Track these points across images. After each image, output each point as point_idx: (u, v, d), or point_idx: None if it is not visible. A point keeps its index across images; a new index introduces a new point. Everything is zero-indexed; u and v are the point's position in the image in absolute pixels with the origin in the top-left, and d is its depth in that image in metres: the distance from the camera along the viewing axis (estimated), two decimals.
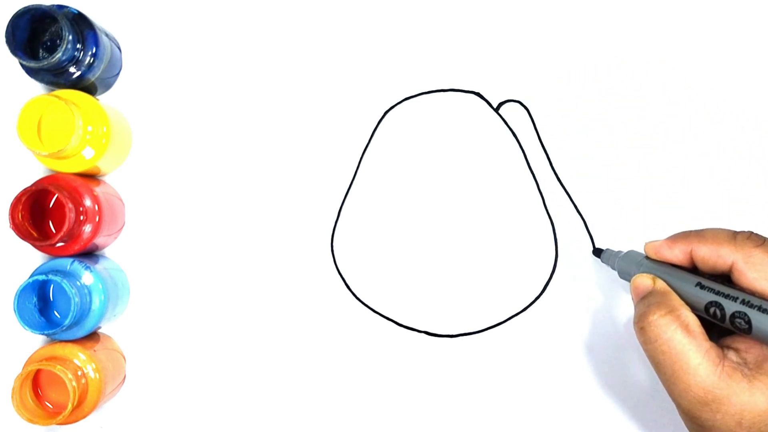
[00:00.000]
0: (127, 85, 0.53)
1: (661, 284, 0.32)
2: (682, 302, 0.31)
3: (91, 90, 0.50)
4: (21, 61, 0.44)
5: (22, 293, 0.45)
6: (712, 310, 0.30)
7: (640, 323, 0.31)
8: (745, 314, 0.29)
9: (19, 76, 0.47)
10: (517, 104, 0.53)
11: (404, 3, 0.53)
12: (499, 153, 0.53)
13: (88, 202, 0.47)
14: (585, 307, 0.52)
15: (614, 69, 0.53)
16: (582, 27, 0.53)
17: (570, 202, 0.53)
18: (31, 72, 0.47)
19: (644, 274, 0.33)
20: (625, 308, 0.53)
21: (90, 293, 0.47)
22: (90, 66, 0.47)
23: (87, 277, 0.47)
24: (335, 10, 0.53)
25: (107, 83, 0.52)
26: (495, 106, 0.53)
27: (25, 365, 0.47)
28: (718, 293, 0.30)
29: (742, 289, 0.29)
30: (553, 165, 0.53)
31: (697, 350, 0.29)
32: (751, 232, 0.30)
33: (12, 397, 0.45)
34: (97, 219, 0.47)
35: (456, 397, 0.52)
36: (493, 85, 0.53)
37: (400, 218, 0.53)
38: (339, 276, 0.53)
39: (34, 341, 0.50)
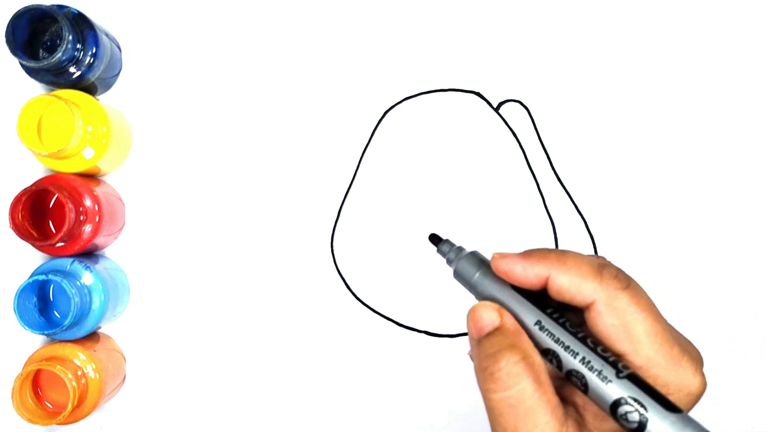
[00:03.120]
0: (127, 85, 0.53)
1: (510, 321, 0.27)
2: (532, 345, 0.26)
3: (91, 90, 0.50)
4: (21, 61, 0.44)
5: (22, 293, 0.45)
6: (549, 357, 0.26)
7: (490, 368, 0.25)
8: (583, 377, 0.25)
9: (19, 76, 0.47)
10: (517, 104, 0.53)
11: (404, 3, 0.53)
12: (499, 153, 0.53)
13: (88, 202, 0.47)
14: None
15: (614, 69, 0.53)
16: (582, 27, 0.53)
17: (570, 202, 0.53)
18: (31, 72, 0.47)
19: (489, 306, 0.27)
20: None
21: (90, 293, 0.47)
22: (90, 66, 0.47)
23: (87, 277, 0.47)
24: (335, 10, 0.53)
25: (107, 83, 0.52)
26: (495, 106, 0.53)
27: (25, 365, 0.47)
28: (558, 341, 0.26)
29: (586, 339, 0.26)
30: (553, 165, 0.53)
31: (545, 407, 0.25)
32: (619, 270, 0.27)
33: (12, 397, 0.45)
34: (97, 219, 0.47)
35: (456, 397, 0.52)
36: (493, 85, 0.53)
37: (400, 218, 0.53)
38: (339, 276, 0.53)
39: (34, 341, 0.50)
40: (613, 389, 0.24)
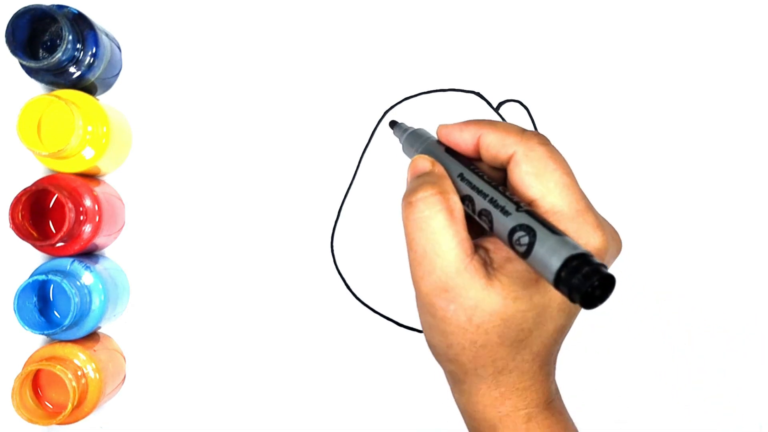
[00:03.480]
0: (127, 85, 0.53)
1: (439, 169, 0.31)
2: (454, 189, 0.30)
3: (91, 90, 0.50)
4: (21, 61, 0.44)
5: (22, 293, 0.45)
6: (466, 203, 0.30)
7: (409, 198, 0.30)
8: (489, 212, 0.28)
9: (19, 76, 0.47)
10: (517, 104, 0.53)
11: (404, 3, 0.53)
12: None
13: (88, 202, 0.47)
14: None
15: (614, 69, 0.53)
16: (582, 27, 0.53)
17: None
18: (31, 72, 0.47)
19: (425, 157, 0.32)
20: (625, 310, 0.53)
21: (90, 293, 0.47)
22: (90, 66, 0.47)
23: (87, 277, 0.47)
24: (335, 10, 0.53)
25: (107, 83, 0.52)
26: (495, 106, 0.53)
27: (25, 365, 0.47)
28: (473, 187, 0.29)
29: (497, 186, 0.29)
30: None
31: (453, 236, 0.28)
32: (541, 134, 0.30)
33: (12, 397, 0.45)
34: (97, 219, 0.47)
35: None
36: (493, 85, 0.53)
37: (400, 218, 0.53)
38: (339, 276, 0.53)
39: (34, 341, 0.50)
40: (511, 220, 0.27)
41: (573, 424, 0.32)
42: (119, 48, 0.52)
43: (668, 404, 0.52)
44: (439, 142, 0.33)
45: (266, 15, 0.53)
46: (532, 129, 0.29)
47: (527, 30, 0.53)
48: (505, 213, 0.27)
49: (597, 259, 0.24)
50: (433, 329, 0.30)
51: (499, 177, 0.30)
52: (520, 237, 0.26)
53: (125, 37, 0.53)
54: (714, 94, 0.53)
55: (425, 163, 0.31)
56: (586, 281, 0.23)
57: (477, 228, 0.30)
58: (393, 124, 0.38)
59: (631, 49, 0.53)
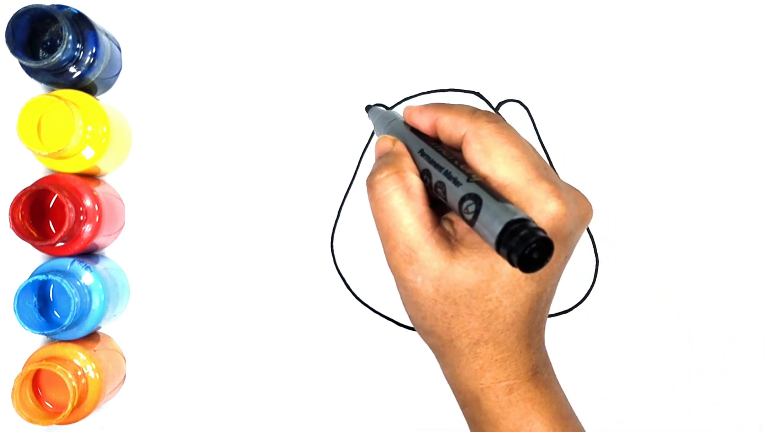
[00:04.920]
0: (127, 85, 0.53)
1: (399, 147, 0.33)
2: (412, 166, 0.31)
3: (91, 90, 0.50)
4: (21, 61, 0.44)
5: (22, 293, 0.45)
6: (425, 178, 0.31)
7: (369, 180, 0.31)
8: (443, 184, 0.29)
9: (19, 76, 0.47)
10: (517, 104, 0.53)
11: (404, 3, 0.53)
12: None
13: (88, 202, 0.47)
14: (584, 307, 0.52)
15: (614, 69, 0.53)
16: (582, 27, 0.53)
17: None
18: (31, 72, 0.47)
19: (387, 137, 0.34)
20: (625, 310, 0.53)
21: (90, 293, 0.47)
22: (90, 66, 0.47)
23: (87, 277, 0.47)
24: (335, 10, 0.53)
25: (107, 83, 0.52)
26: (495, 106, 0.53)
27: (25, 365, 0.47)
28: (430, 161, 0.31)
29: (453, 160, 0.30)
30: (553, 165, 0.53)
31: (411, 212, 0.30)
32: (492, 113, 0.31)
33: (12, 397, 0.45)
34: (97, 219, 0.47)
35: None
36: (493, 85, 0.53)
37: None
38: (339, 276, 0.53)
39: (34, 341, 0.50)
40: (461, 190, 0.28)
41: (562, 398, 0.32)
42: (119, 48, 0.52)
43: (668, 404, 0.52)
44: (405, 123, 0.35)
45: (266, 15, 0.53)
46: (488, 111, 0.31)
47: (527, 30, 0.53)
48: (457, 183, 0.29)
49: (535, 224, 0.25)
50: (407, 302, 0.32)
51: (461, 156, 0.31)
52: (468, 205, 0.28)
53: (125, 37, 0.53)
54: (714, 94, 0.53)
55: (386, 142, 0.33)
56: (523, 243, 0.24)
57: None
58: (368, 108, 0.40)
59: (631, 49, 0.53)
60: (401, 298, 0.32)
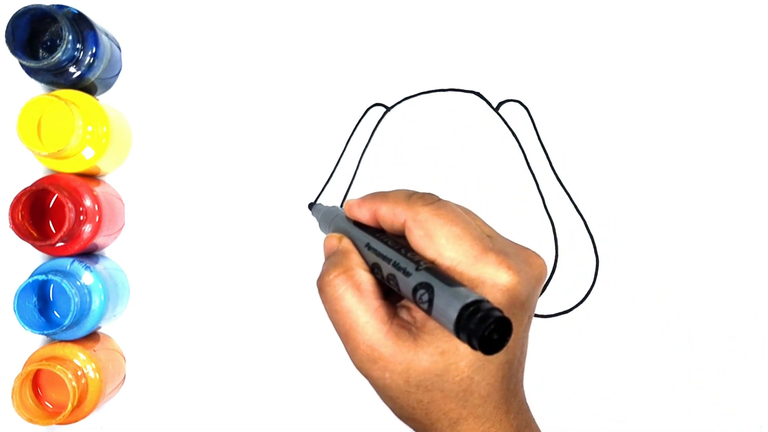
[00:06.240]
0: (127, 85, 0.53)
1: (345, 244, 0.32)
2: (360, 262, 0.31)
3: (91, 90, 0.50)
4: (21, 61, 0.44)
5: (22, 293, 0.45)
6: (376, 271, 0.31)
7: (318, 282, 0.31)
8: (394, 276, 0.29)
9: (19, 76, 0.47)
10: (517, 104, 0.53)
11: (404, 3, 0.53)
12: (499, 153, 0.53)
13: (88, 202, 0.47)
14: (584, 307, 0.52)
15: (614, 69, 0.53)
16: (582, 27, 0.53)
17: (570, 202, 0.53)
18: (31, 72, 0.47)
19: (333, 235, 0.33)
20: (625, 310, 0.53)
21: (90, 293, 0.47)
22: (90, 66, 0.47)
23: (87, 277, 0.47)
24: (335, 10, 0.53)
25: (107, 83, 0.52)
26: (495, 106, 0.53)
27: (25, 365, 0.47)
28: (378, 254, 0.30)
29: (400, 249, 0.30)
30: (553, 165, 0.53)
31: (365, 310, 0.29)
32: (428, 194, 0.31)
33: (12, 397, 0.45)
34: (97, 219, 0.47)
35: None
36: (493, 85, 0.53)
37: None
38: None
39: (34, 341, 0.50)
40: (413, 279, 0.28)
41: None
42: (119, 48, 0.52)
43: (668, 404, 0.52)
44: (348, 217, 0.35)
45: (266, 15, 0.53)
46: (423, 193, 0.31)
47: (527, 30, 0.53)
48: (407, 274, 0.28)
49: (490, 304, 0.25)
50: (381, 396, 0.31)
51: (407, 243, 0.31)
52: (422, 295, 0.27)
53: (125, 37, 0.53)
54: (714, 94, 0.53)
55: (333, 240, 0.33)
56: (480, 326, 0.24)
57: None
58: (310, 206, 0.40)
59: (630, 49, 0.53)
60: (375, 391, 0.32)
